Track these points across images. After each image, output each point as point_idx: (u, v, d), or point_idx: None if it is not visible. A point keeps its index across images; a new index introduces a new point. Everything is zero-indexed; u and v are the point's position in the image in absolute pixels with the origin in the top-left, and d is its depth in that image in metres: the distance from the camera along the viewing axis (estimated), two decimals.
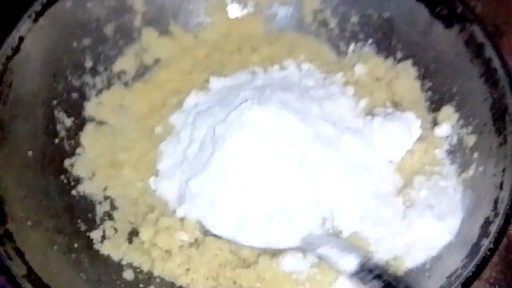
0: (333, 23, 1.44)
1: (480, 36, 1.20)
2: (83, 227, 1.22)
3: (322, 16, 1.45)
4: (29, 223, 1.10)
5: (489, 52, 1.18)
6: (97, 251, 1.19)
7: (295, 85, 1.32)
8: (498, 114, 1.14)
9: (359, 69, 1.38)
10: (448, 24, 1.26)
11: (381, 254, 1.12)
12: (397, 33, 1.37)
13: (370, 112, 1.31)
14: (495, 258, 1.20)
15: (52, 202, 1.19)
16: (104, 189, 1.26)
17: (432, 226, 1.11)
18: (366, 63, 1.38)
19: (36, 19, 1.22)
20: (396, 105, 1.32)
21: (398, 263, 1.11)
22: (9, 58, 1.17)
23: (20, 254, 1.03)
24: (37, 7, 1.23)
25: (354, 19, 1.42)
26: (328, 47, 1.47)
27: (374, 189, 1.17)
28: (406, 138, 1.22)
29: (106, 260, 1.18)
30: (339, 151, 1.20)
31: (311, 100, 1.26)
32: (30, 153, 1.19)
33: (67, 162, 1.26)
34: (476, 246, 1.03)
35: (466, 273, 0.98)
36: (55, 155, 1.25)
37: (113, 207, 1.25)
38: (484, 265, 0.98)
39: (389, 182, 1.20)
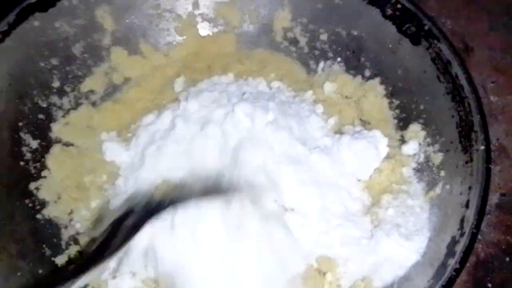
0: (303, 41, 1.44)
1: (447, 53, 1.20)
2: (48, 252, 1.20)
3: (291, 34, 1.45)
4: None
5: (456, 69, 1.18)
6: None
7: (270, 98, 1.31)
8: (465, 132, 1.15)
9: (328, 87, 1.38)
10: (415, 41, 1.27)
11: (349, 274, 1.11)
12: (365, 51, 1.37)
13: (339, 131, 1.30)
14: (464, 276, 1.20)
15: (16, 226, 1.17)
16: (70, 213, 1.25)
17: (399, 245, 1.11)
18: (335, 81, 1.38)
19: (2, 40, 1.20)
20: (365, 124, 1.33)
21: (366, 283, 1.10)
22: None
23: None
24: (2, 27, 1.20)
25: (323, 37, 1.42)
26: (299, 65, 1.47)
27: (343, 208, 1.16)
28: (373, 157, 1.22)
29: None
30: (308, 169, 1.18)
31: (285, 115, 1.24)
32: None
33: (32, 185, 1.24)
34: (442, 266, 1.03)
35: None
36: (20, 178, 1.23)
37: (78, 231, 1.23)
38: (450, 286, 0.97)
39: (357, 201, 1.19)
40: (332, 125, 1.31)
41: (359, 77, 1.37)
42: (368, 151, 1.21)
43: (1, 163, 1.20)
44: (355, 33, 1.37)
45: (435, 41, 1.22)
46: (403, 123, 1.29)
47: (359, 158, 1.20)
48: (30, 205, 1.23)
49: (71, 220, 1.24)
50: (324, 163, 1.21)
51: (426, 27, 1.24)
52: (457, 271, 0.99)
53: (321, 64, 1.44)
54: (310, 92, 1.37)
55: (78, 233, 1.23)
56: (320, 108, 1.33)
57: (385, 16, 1.30)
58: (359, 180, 1.22)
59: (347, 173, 1.21)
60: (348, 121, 1.33)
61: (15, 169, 1.23)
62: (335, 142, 1.23)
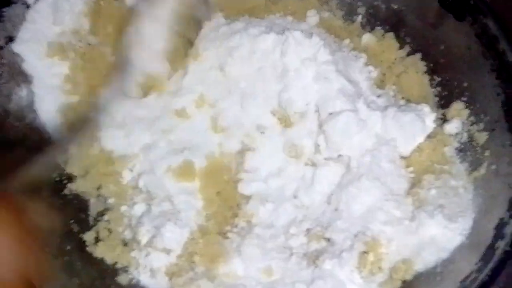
0: (338, 15, 1.37)
1: (494, 28, 1.15)
2: (75, 228, 1.16)
3: (327, 7, 1.38)
4: None
5: (503, 45, 1.13)
6: (90, 254, 1.13)
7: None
8: (511, 110, 1.09)
9: (368, 37, 1.33)
10: (459, 16, 1.21)
11: (390, 255, 1.06)
12: (405, 26, 1.31)
13: (381, 85, 1.28)
14: None
15: (43, 201, 1.11)
16: (98, 188, 1.20)
17: (442, 227, 1.06)
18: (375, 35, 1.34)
19: None
20: (404, 100, 1.26)
21: (407, 266, 1.06)
22: None
23: None
24: None
25: (361, 10, 1.36)
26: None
27: (385, 187, 1.11)
28: (419, 131, 1.16)
29: (99, 264, 1.13)
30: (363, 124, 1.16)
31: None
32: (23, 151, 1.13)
33: (59, 159, 1.19)
34: (490, 248, 0.99)
35: (481, 277, 0.93)
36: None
37: (107, 206, 1.18)
38: (501, 269, 0.93)
39: (399, 179, 1.14)
40: (375, 77, 1.26)
41: (399, 52, 1.30)
42: (415, 125, 1.15)
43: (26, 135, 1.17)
44: (395, 6, 1.32)
45: (481, 16, 1.16)
46: (444, 101, 1.23)
47: (404, 131, 1.15)
48: (58, 179, 1.19)
49: (99, 195, 1.19)
50: (377, 124, 1.16)
51: (471, 1, 1.18)
52: (509, 254, 0.93)
53: (359, 17, 1.37)
54: (347, 41, 1.31)
55: (107, 209, 1.18)
56: (363, 57, 1.28)
57: None
58: (401, 157, 1.16)
59: (390, 145, 1.15)
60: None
61: (42, 142, 1.19)
62: (379, 112, 1.17)
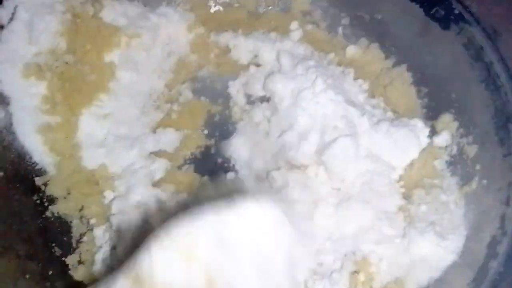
0: (323, 25, 1.34)
1: (480, 38, 1.13)
2: (58, 251, 1.13)
3: (310, 19, 1.36)
4: None
5: (490, 55, 1.11)
6: (71, 277, 1.11)
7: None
8: (501, 122, 1.08)
9: (352, 50, 1.31)
10: (445, 25, 1.19)
11: (382, 275, 1.04)
12: (390, 36, 1.29)
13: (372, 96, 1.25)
14: None
15: (24, 225, 1.10)
16: (80, 209, 1.17)
17: (434, 245, 1.04)
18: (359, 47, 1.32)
19: None
20: (392, 113, 1.23)
21: (399, 286, 1.04)
22: None
23: None
24: None
25: (345, 21, 1.33)
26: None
27: (377, 206, 1.10)
28: (413, 147, 1.14)
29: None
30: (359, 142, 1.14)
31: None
32: (1, 173, 1.12)
33: (39, 180, 1.17)
34: (483, 268, 0.97)
35: None
36: (26, 173, 1.17)
37: (90, 227, 1.16)
38: None
39: (391, 197, 1.12)
40: (366, 89, 1.23)
41: (385, 62, 1.28)
42: (408, 141, 1.13)
43: (5, 157, 1.14)
44: (379, 17, 1.30)
45: (467, 25, 1.14)
46: (433, 113, 1.21)
47: (398, 147, 1.13)
48: (38, 201, 1.16)
49: (81, 217, 1.16)
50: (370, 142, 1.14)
51: (456, 11, 1.17)
52: (502, 275, 0.91)
53: (344, 20, 1.35)
54: (332, 55, 1.29)
55: (89, 229, 1.15)
56: (351, 72, 1.25)
57: None
58: (394, 170, 1.15)
59: (383, 161, 1.12)
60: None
61: (22, 164, 1.17)
62: (372, 127, 1.14)
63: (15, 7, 1.20)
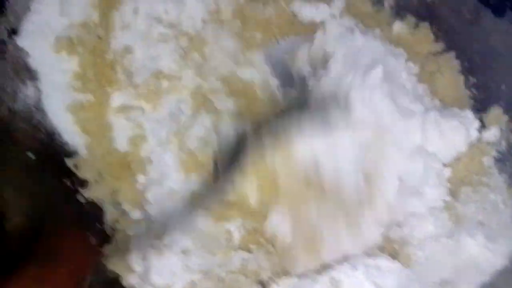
0: (366, 6, 1.27)
1: None
2: (93, 241, 1.08)
3: None
4: None
5: None
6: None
7: None
8: None
9: (399, 26, 1.24)
10: (498, 12, 1.14)
11: (427, 276, 1.00)
12: (438, 20, 1.23)
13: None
14: None
15: (56, 211, 1.04)
16: (113, 194, 1.13)
17: (484, 247, 1.01)
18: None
19: None
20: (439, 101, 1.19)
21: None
22: None
23: None
24: None
25: (390, 1, 1.26)
26: None
27: (423, 199, 1.05)
28: (461, 140, 1.10)
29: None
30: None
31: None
32: (31, 155, 1.06)
33: (70, 162, 1.12)
34: None
35: None
36: (56, 154, 1.12)
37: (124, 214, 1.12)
38: None
39: (438, 189, 1.07)
40: (416, 73, 1.18)
41: (434, 45, 1.23)
42: (457, 132, 1.09)
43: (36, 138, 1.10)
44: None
45: None
46: (481, 105, 1.17)
47: (446, 139, 1.08)
48: (69, 185, 1.11)
49: (114, 202, 1.13)
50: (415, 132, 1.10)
51: None
52: None
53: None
54: (378, 30, 1.22)
55: (123, 216, 1.11)
56: (403, 54, 1.19)
57: None
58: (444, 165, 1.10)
59: (428, 152, 1.08)
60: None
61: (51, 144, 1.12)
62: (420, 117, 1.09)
63: None
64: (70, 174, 1.12)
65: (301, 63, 1.23)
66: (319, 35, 1.21)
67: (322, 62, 1.20)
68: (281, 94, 1.16)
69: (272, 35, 1.27)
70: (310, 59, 1.22)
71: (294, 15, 1.27)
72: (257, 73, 1.18)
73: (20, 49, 1.12)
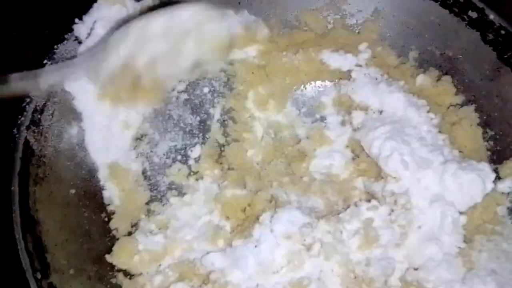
0: (391, 58, 1.34)
1: None
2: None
3: (379, 48, 1.35)
4: (71, 271, 1.06)
5: None
6: None
7: None
8: None
9: (422, 79, 1.31)
10: None
11: None
12: (459, 74, 1.29)
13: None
14: None
15: (94, 244, 1.13)
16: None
17: None
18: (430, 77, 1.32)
19: None
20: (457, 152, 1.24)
21: None
22: None
23: None
24: None
25: (414, 54, 1.32)
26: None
27: (440, 245, 1.11)
28: (478, 191, 1.15)
29: None
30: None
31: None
32: (72, 191, 1.14)
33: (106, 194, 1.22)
34: None
35: None
36: (96, 190, 1.20)
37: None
38: None
39: (453, 239, 1.12)
40: (436, 123, 1.25)
41: (455, 98, 1.29)
42: (474, 185, 1.14)
43: (77, 176, 1.18)
44: (450, 54, 1.29)
45: None
46: (497, 157, 1.22)
47: (463, 190, 1.14)
48: (106, 219, 1.19)
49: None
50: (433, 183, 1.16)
51: None
52: None
53: (412, 53, 1.34)
54: (402, 82, 1.30)
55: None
56: (424, 104, 1.27)
57: (485, 40, 1.22)
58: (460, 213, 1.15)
59: (446, 201, 1.13)
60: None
61: (92, 180, 1.20)
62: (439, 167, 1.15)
63: (94, 23, 1.22)
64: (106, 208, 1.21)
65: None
66: (345, 82, 1.28)
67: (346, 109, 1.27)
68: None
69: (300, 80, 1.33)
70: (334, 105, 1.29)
71: (322, 63, 1.33)
72: None
73: (67, 93, 1.20)
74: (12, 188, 1.04)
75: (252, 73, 1.37)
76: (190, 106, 1.35)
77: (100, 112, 1.23)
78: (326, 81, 1.38)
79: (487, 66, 1.23)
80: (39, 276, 0.99)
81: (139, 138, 1.29)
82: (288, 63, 1.35)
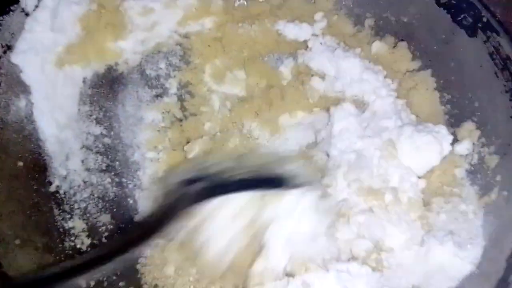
0: (347, 27, 1.33)
1: (507, 48, 1.12)
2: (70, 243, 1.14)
3: (334, 18, 1.34)
4: (17, 241, 1.03)
5: None
6: None
7: None
8: None
9: (378, 46, 1.30)
10: (471, 33, 1.18)
11: (397, 282, 1.03)
12: (415, 40, 1.28)
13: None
14: None
15: (42, 217, 1.11)
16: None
17: (452, 254, 1.04)
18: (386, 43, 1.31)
19: None
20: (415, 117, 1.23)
21: None
22: None
23: (8, 279, 0.95)
24: None
25: (370, 21, 1.31)
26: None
27: (396, 208, 1.09)
28: (435, 154, 1.13)
29: None
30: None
31: None
32: (20, 163, 1.12)
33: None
34: (503, 281, 0.97)
35: None
36: (45, 163, 1.17)
37: None
38: None
39: (411, 200, 1.10)
40: (394, 88, 1.23)
41: (412, 63, 1.28)
42: (431, 147, 1.12)
43: (25, 147, 1.15)
44: (405, 19, 1.28)
45: (494, 34, 1.13)
46: (454, 120, 1.21)
47: (420, 153, 1.12)
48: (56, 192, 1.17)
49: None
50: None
51: (484, 19, 1.15)
52: None
53: (368, 21, 1.34)
54: (358, 50, 1.28)
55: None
56: (381, 70, 1.25)
57: (439, 3, 1.21)
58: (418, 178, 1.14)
59: (403, 165, 1.12)
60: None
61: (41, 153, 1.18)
62: (395, 130, 1.14)
63: None
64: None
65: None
66: (302, 51, 1.27)
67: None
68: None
69: (257, 53, 1.31)
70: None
71: (279, 34, 1.31)
72: None
73: (14, 65, 1.17)
74: None
75: (208, 46, 1.34)
76: (145, 80, 1.30)
77: (48, 85, 1.20)
78: (283, 52, 1.33)
79: (442, 30, 1.22)
80: None
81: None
82: (244, 35, 1.33)
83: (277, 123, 1.26)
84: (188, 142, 1.25)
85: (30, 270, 1.02)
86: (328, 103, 1.24)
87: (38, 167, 1.16)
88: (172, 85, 1.34)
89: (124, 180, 1.23)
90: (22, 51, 1.18)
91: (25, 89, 1.19)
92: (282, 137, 1.24)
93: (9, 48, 1.18)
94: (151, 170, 1.24)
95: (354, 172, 1.12)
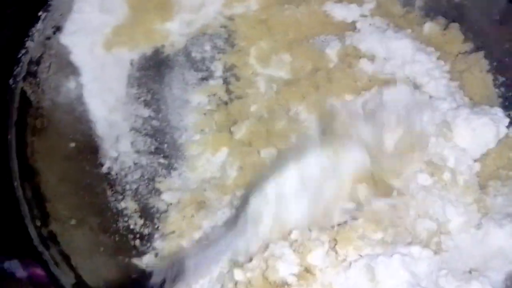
0: (396, 7, 1.31)
1: None
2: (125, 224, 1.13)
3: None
4: (72, 222, 1.03)
5: None
6: None
7: None
8: None
9: (429, 27, 1.28)
10: None
11: (455, 265, 1.02)
12: (468, 21, 1.26)
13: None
14: None
15: (96, 198, 1.10)
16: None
17: (511, 238, 1.01)
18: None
19: None
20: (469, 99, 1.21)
21: (473, 276, 1.01)
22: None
23: (66, 258, 0.96)
24: None
25: (420, 2, 1.30)
26: None
27: (455, 189, 1.08)
28: (491, 136, 1.11)
29: None
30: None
31: None
32: (72, 144, 1.11)
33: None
34: None
35: None
36: (97, 144, 1.17)
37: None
38: None
39: (466, 184, 1.09)
40: (447, 70, 1.21)
41: (463, 45, 1.26)
42: (487, 129, 1.10)
43: (78, 129, 1.15)
44: (457, 0, 1.26)
45: None
46: (509, 103, 1.19)
47: (476, 135, 1.10)
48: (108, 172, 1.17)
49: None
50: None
51: None
52: None
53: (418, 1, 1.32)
54: (409, 30, 1.26)
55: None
56: (432, 50, 1.23)
57: None
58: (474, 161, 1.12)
59: (459, 147, 1.10)
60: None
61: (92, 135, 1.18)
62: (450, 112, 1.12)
63: None
64: None
65: None
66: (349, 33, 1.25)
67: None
68: None
69: (303, 35, 1.29)
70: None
71: (326, 16, 1.29)
72: None
73: (63, 46, 1.17)
74: (9, 136, 1.01)
75: (254, 28, 1.32)
76: (191, 62, 1.29)
77: (97, 67, 1.20)
78: (330, 33, 1.31)
79: (495, 11, 1.20)
80: (38, 223, 0.97)
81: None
82: (290, 17, 1.31)
83: (324, 106, 1.23)
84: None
85: (87, 249, 1.02)
86: (377, 85, 1.20)
87: (90, 148, 1.15)
88: (218, 68, 1.31)
89: (173, 161, 1.20)
90: (71, 32, 1.18)
91: (74, 71, 1.19)
92: None
93: (58, 29, 1.16)
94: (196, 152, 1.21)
95: None
